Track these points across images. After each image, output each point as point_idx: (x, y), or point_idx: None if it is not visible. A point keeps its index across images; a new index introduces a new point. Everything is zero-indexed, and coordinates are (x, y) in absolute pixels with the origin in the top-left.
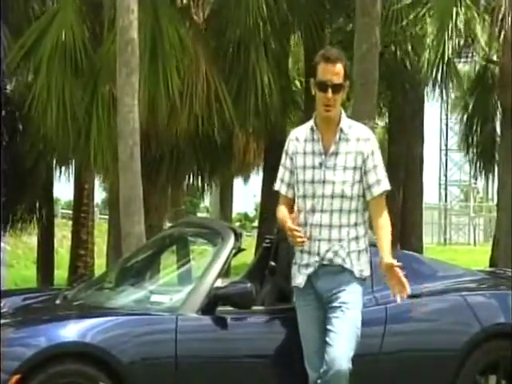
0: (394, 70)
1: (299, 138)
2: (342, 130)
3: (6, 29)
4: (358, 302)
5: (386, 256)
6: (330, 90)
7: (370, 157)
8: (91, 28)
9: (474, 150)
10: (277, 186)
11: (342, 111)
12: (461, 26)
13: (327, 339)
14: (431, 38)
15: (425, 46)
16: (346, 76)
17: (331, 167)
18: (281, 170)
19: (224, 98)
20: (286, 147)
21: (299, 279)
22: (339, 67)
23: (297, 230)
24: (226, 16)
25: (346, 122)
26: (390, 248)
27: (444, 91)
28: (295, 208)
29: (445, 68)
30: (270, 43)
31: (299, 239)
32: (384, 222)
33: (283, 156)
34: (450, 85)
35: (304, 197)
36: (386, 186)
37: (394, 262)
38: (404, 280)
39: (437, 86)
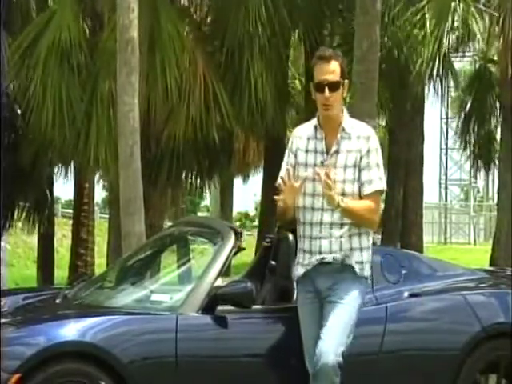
0: (394, 68)
1: (303, 135)
2: (344, 129)
3: (4, 28)
4: (355, 298)
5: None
6: (326, 89)
7: (365, 155)
8: (89, 27)
9: (472, 149)
10: (278, 182)
11: (345, 110)
12: (459, 23)
13: (320, 333)
14: (429, 35)
15: (423, 43)
16: (343, 74)
17: (332, 166)
18: (283, 166)
19: (221, 98)
20: (289, 145)
21: (299, 271)
22: (334, 65)
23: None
24: (225, 17)
25: (349, 122)
26: (348, 207)
27: (442, 89)
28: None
29: (442, 65)
30: (266, 44)
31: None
32: (366, 208)
33: (286, 153)
34: (449, 83)
35: (304, 194)
36: (377, 186)
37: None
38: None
39: (431, 85)
